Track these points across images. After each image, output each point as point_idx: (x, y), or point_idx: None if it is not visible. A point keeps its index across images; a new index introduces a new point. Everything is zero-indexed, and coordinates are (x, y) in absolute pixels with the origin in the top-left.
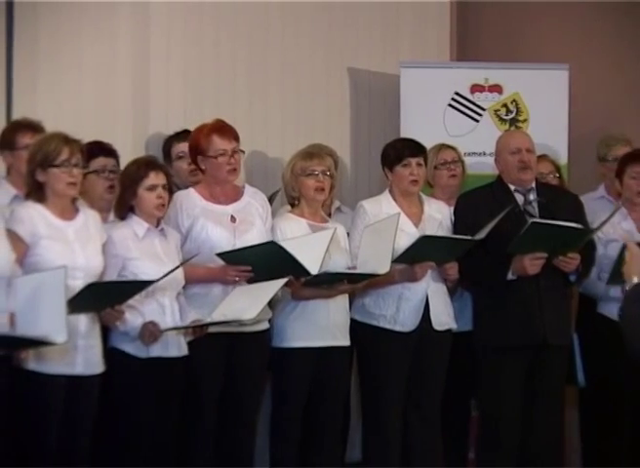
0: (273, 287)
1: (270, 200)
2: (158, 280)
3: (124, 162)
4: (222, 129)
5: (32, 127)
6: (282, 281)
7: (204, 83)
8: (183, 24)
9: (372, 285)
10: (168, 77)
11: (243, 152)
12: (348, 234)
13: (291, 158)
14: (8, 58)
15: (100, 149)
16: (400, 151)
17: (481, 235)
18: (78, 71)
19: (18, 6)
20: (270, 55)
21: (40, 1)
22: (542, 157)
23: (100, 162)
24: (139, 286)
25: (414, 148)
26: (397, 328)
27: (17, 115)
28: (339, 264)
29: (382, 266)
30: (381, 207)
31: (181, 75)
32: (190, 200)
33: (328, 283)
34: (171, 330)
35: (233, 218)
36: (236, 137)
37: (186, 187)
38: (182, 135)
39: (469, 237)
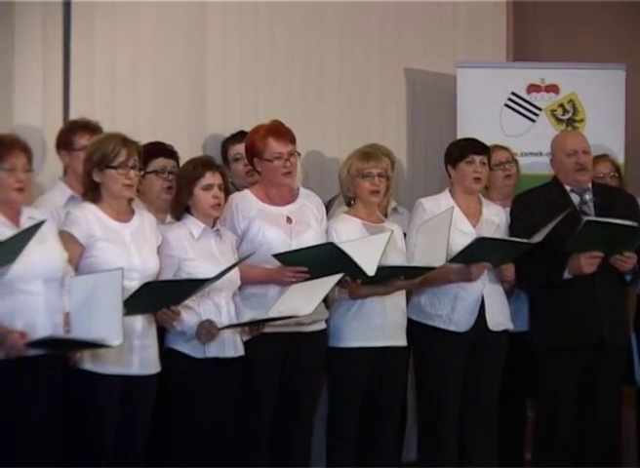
0: (329, 283)
1: (329, 204)
2: (214, 278)
3: (182, 164)
4: (279, 131)
5: (90, 127)
6: (337, 276)
7: (260, 84)
8: (240, 26)
9: (428, 282)
10: (224, 78)
11: (299, 154)
12: (405, 235)
13: (347, 158)
14: (65, 59)
15: (160, 150)
16: (464, 148)
17: (538, 238)
18: (135, 72)
19: (75, 6)
20: (327, 55)
21: (97, 1)
22: (602, 157)
23: (159, 163)
24: (194, 285)
25: (478, 147)
26: (452, 327)
27: (74, 115)
28: (395, 263)
29: (438, 259)
30: (440, 205)
31: (238, 76)
32: (246, 201)
33: (384, 279)
34: (227, 327)
35: (289, 219)
36: (292, 140)
37: (244, 188)
38: (239, 136)
39: (526, 240)
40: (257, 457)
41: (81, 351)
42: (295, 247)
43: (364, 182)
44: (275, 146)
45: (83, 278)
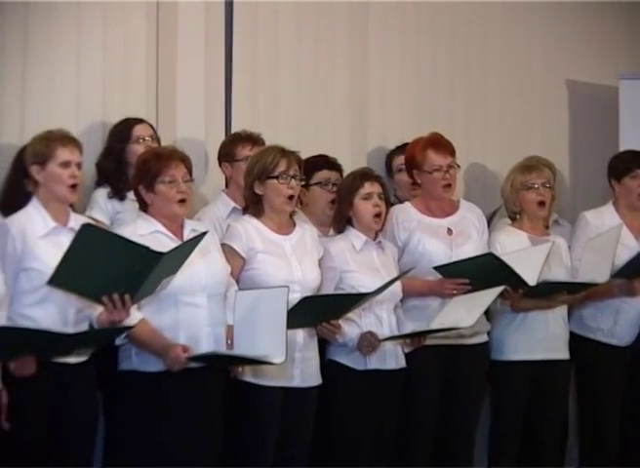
0: (490, 295)
1: (491, 217)
2: (373, 293)
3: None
4: (438, 143)
5: (252, 139)
6: (499, 289)
7: (422, 96)
8: (401, 38)
9: (590, 296)
10: (385, 90)
11: (459, 167)
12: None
13: (509, 172)
14: (227, 72)
15: (324, 162)
16: (629, 162)
17: None
18: (297, 84)
19: (237, 19)
20: (488, 67)
21: (260, 1)
22: None
23: (323, 175)
24: (354, 299)
25: None
26: (614, 341)
27: (236, 128)
28: (558, 277)
29: (602, 275)
30: (604, 219)
31: (399, 88)
32: (406, 213)
33: (547, 293)
34: (389, 339)
35: (450, 231)
36: (452, 152)
37: (407, 200)
38: (403, 148)
39: None
40: None
41: (242, 366)
42: (455, 258)
43: (529, 194)
44: (434, 158)
45: (248, 293)
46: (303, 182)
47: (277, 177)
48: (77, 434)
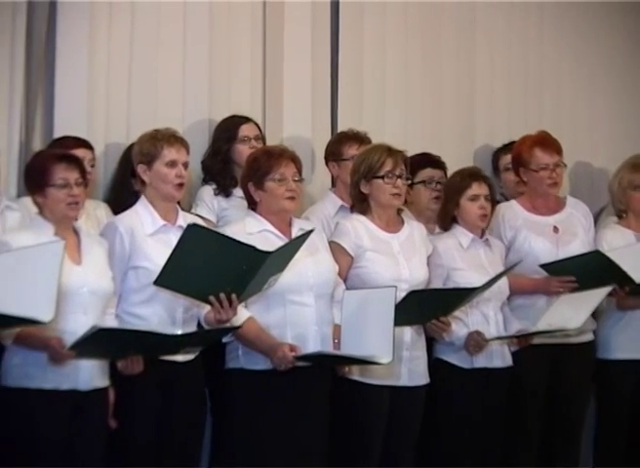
0: (598, 295)
1: (598, 214)
2: (481, 288)
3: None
4: (545, 142)
5: (358, 138)
6: (607, 289)
7: (528, 94)
8: (507, 35)
9: None
10: (492, 88)
11: (565, 166)
12: None
13: (617, 170)
14: (333, 71)
15: (427, 161)
16: None
17: None
18: (403, 83)
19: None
20: (595, 64)
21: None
22: None
23: (427, 173)
24: (461, 294)
25: None
26: None
27: (342, 126)
28: None
29: None
30: None
31: (505, 86)
32: (512, 211)
33: None
34: (495, 339)
35: (556, 229)
36: (559, 151)
37: (513, 198)
38: (510, 146)
39: None
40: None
41: (349, 366)
42: (561, 256)
43: (636, 194)
44: (541, 157)
45: (356, 292)
46: (409, 182)
47: (383, 177)
48: (185, 431)
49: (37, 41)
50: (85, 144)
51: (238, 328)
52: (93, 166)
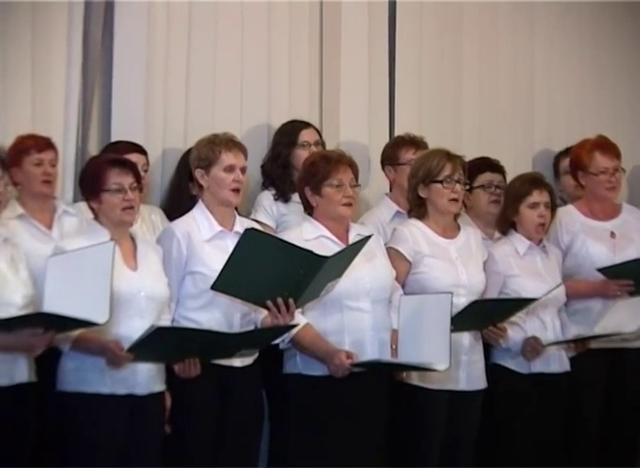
0: None
1: None
2: (540, 298)
3: (509, 178)
4: (605, 146)
5: (415, 143)
6: None
7: (586, 98)
8: (565, 39)
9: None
10: (550, 93)
11: (624, 170)
12: None
13: None
14: (390, 74)
15: (486, 165)
16: None
17: None
18: (460, 87)
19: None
20: None
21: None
22: None
23: (486, 177)
24: (522, 303)
25: None
26: None
27: (399, 131)
28: None
29: None
30: None
31: (564, 91)
32: (570, 216)
33: None
34: (553, 344)
35: (613, 234)
36: (618, 155)
37: (572, 202)
38: (569, 150)
39: None
40: None
41: (406, 372)
42: (618, 261)
43: None
44: (601, 161)
45: (412, 298)
46: (467, 187)
47: (442, 182)
48: (242, 436)
49: (93, 43)
50: (138, 149)
51: (294, 326)
52: (146, 171)
